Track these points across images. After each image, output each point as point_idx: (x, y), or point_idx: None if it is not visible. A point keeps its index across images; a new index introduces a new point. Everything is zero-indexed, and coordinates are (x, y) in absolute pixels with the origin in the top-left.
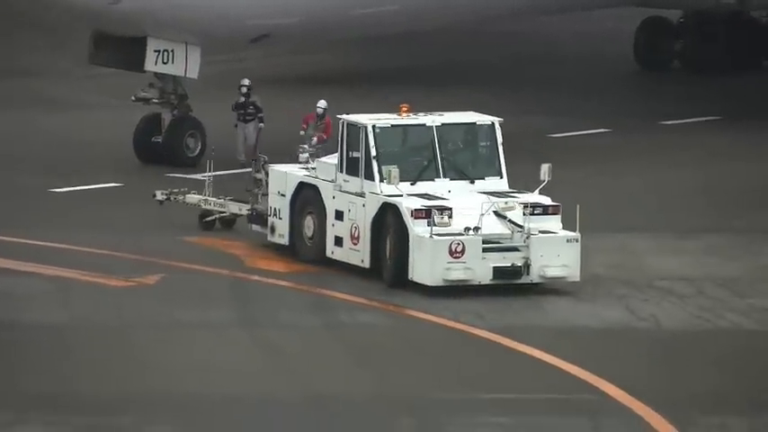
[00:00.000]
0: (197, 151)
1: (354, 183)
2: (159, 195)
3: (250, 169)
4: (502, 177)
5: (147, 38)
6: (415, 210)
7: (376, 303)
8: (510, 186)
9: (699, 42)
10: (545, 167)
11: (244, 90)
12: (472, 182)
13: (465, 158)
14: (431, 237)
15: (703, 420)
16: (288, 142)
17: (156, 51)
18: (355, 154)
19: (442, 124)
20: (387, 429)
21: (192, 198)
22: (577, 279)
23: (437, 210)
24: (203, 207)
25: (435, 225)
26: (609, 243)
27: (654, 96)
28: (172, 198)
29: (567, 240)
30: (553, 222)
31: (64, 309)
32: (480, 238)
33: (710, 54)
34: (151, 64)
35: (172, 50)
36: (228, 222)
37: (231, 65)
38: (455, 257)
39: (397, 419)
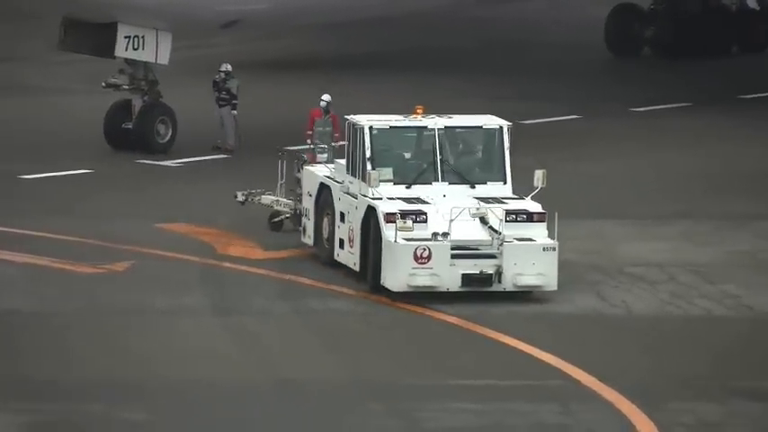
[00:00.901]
0: (167, 137)
1: (356, 184)
2: (240, 196)
3: (225, 155)
4: (506, 183)
5: (118, 24)
6: (387, 213)
7: (347, 290)
8: (514, 191)
9: (669, 29)
10: (539, 174)
11: (221, 75)
12: (473, 186)
13: (467, 162)
14: (395, 241)
15: (673, 406)
16: (256, 129)
17: (126, 37)
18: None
19: (445, 127)
20: (358, 415)
21: (266, 199)
22: (554, 288)
23: (402, 214)
24: (275, 208)
25: (398, 230)
26: (580, 229)
27: (624, 83)
28: (250, 199)
29: (544, 249)
30: (537, 230)
31: (34, 296)
32: (449, 243)
33: (681, 41)
34: (121, 50)
35: (142, 36)
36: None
37: (203, 51)
38: (420, 263)
39: (369, 405)
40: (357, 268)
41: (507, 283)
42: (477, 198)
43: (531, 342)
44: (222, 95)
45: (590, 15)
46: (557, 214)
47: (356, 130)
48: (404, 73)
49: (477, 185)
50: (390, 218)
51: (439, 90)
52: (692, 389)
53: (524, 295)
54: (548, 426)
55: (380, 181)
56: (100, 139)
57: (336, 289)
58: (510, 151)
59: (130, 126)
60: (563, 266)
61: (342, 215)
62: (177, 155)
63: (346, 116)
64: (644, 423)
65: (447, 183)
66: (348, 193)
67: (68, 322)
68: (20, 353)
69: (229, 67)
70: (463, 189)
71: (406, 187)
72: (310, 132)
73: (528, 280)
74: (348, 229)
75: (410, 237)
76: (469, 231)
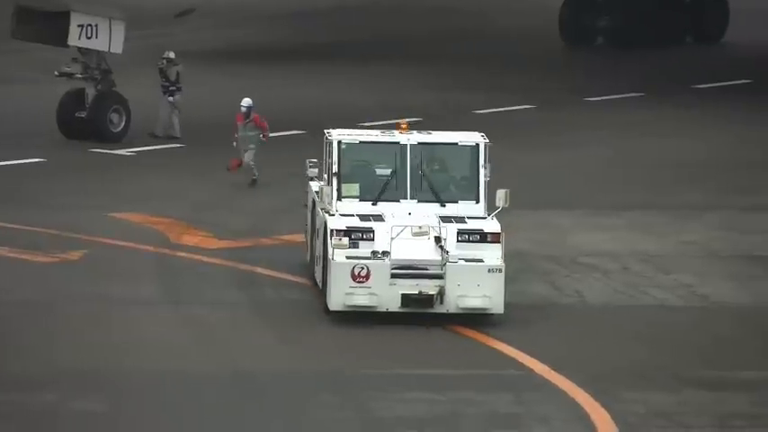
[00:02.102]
0: (121, 126)
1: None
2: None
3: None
4: (478, 202)
5: (71, 12)
6: (331, 230)
7: (301, 279)
8: (487, 210)
9: (623, 18)
10: (501, 193)
11: (164, 62)
12: (443, 205)
13: (439, 180)
14: (333, 259)
15: (627, 396)
16: (210, 119)
17: (79, 26)
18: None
19: (419, 143)
20: (313, 405)
21: None
22: (501, 312)
23: (338, 231)
24: None
25: (333, 247)
26: (533, 219)
27: (578, 72)
28: None
29: (489, 270)
30: (489, 251)
31: None
32: (388, 262)
33: (634, 30)
34: (74, 39)
35: (95, 25)
36: None
37: (157, 40)
38: (359, 282)
39: (323, 396)
40: (321, 286)
41: (450, 305)
42: (442, 216)
43: (484, 332)
44: (162, 83)
45: (544, 4)
46: (504, 235)
47: (326, 144)
48: (360, 63)
49: (447, 204)
50: (336, 235)
51: (394, 80)
52: (645, 378)
53: (472, 318)
54: (501, 415)
55: (345, 197)
56: (53, 128)
57: (291, 279)
58: (485, 169)
59: (84, 115)
60: (515, 257)
61: (318, 231)
62: (131, 144)
63: (325, 130)
64: (597, 412)
65: (416, 200)
66: (322, 209)
67: (22, 312)
68: None
69: (171, 55)
70: (432, 207)
71: (372, 204)
72: (236, 136)
73: (472, 302)
74: (319, 245)
75: (352, 255)
76: (415, 251)
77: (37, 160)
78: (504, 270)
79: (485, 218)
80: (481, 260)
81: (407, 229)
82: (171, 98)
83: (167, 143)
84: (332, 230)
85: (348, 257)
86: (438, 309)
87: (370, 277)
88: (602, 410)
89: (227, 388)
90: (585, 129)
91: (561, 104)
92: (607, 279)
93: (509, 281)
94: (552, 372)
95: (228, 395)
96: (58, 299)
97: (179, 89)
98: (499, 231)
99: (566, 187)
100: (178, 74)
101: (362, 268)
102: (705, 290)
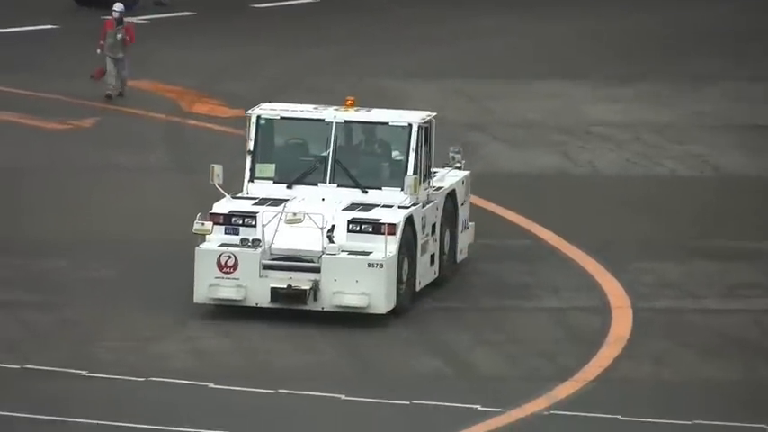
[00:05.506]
0: None
1: None
2: None
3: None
4: (404, 189)
5: None
6: (212, 214)
7: None
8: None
9: None
10: (410, 180)
11: None
12: (365, 191)
13: (365, 164)
14: (199, 246)
15: (635, 266)
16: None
17: None
18: None
19: (345, 122)
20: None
21: None
22: (382, 312)
23: (212, 215)
24: None
25: (194, 232)
26: (543, 89)
27: None
28: None
29: (369, 265)
30: (380, 244)
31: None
32: (258, 252)
33: None
34: None
35: None
36: None
37: None
38: (225, 272)
39: None
40: None
41: (325, 302)
42: (353, 203)
43: (495, 201)
44: None
45: None
46: (401, 227)
47: (246, 119)
48: None
49: (370, 190)
50: (216, 219)
51: None
52: (654, 249)
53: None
54: (511, 285)
55: (258, 178)
56: None
57: None
58: (417, 153)
59: None
60: (525, 126)
61: None
62: (144, 11)
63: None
64: (608, 281)
65: (336, 185)
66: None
67: (33, 178)
68: None
69: None
70: (352, 193)
71: (288, 187)
72: (102, 43)
73: (349, 300)
74: None
75: (227, 242)
76: (293, 240)
77: (49, 27)
78: (387, 266)
79: (407, 207)
80: (364, 252)
81: (281, 215)
82: None
83: (179, 11)
84: (211, 215)
85: (222, 245)
86: (312, 305)
87: (238, 268)
88: (613, 280)
89: None
90: None
91: None
92: (620, 150)
93: (519, 150)
94: (563, 241)
95: None
96: (70, 166)
97: None
98: (396, 223)
99: (576, 57)
100: None
101: (229, 257)
102: (717, 160)
